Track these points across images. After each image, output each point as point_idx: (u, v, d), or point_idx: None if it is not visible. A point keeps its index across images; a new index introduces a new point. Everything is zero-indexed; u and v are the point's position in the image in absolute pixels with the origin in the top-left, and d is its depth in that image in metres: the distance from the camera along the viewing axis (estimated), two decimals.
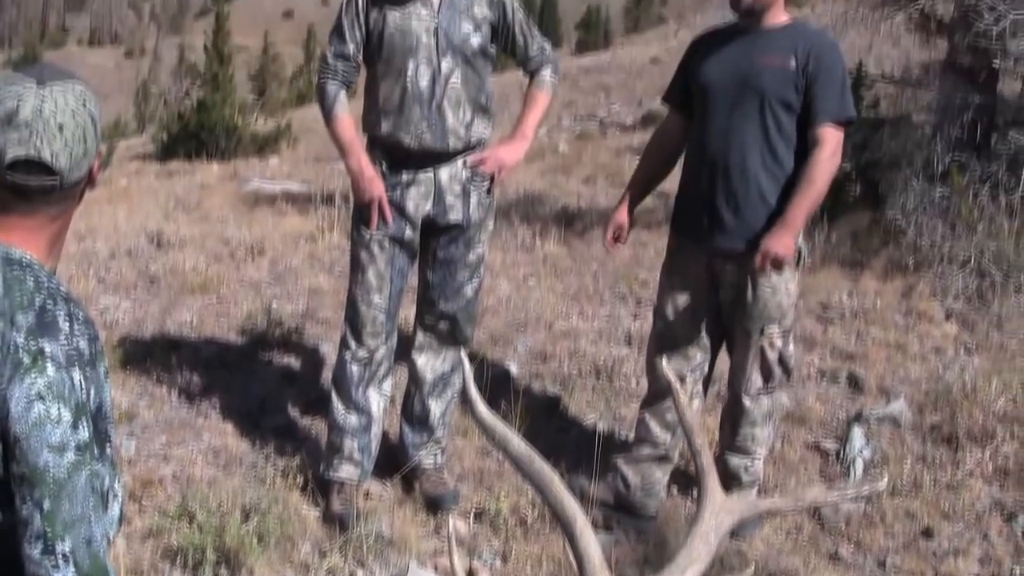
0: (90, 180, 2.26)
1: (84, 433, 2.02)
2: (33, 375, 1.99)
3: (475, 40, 4.82)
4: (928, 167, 9.29)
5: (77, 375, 2.04)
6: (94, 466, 2.04)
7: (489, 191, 5.06)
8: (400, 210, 4.88)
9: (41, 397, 1.98)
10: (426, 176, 4.89)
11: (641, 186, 5.32)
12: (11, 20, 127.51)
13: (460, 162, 4.92)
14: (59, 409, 1.98)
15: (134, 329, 7.38)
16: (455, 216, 4.97)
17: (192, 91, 26.70)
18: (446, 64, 4.77)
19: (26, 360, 1.99)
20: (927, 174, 9.24)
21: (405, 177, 4.89)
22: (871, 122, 10.10)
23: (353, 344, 5.02)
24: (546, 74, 5.10)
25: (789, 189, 4.72)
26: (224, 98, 23.41)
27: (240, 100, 26.73)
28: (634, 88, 25.70)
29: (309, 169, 16.27)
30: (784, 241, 4.57)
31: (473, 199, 4.99)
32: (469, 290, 5.16)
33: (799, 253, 4.85)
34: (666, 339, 5.04)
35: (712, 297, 4.95)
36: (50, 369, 2.00)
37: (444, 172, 4.91)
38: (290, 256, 9.37)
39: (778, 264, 4.57)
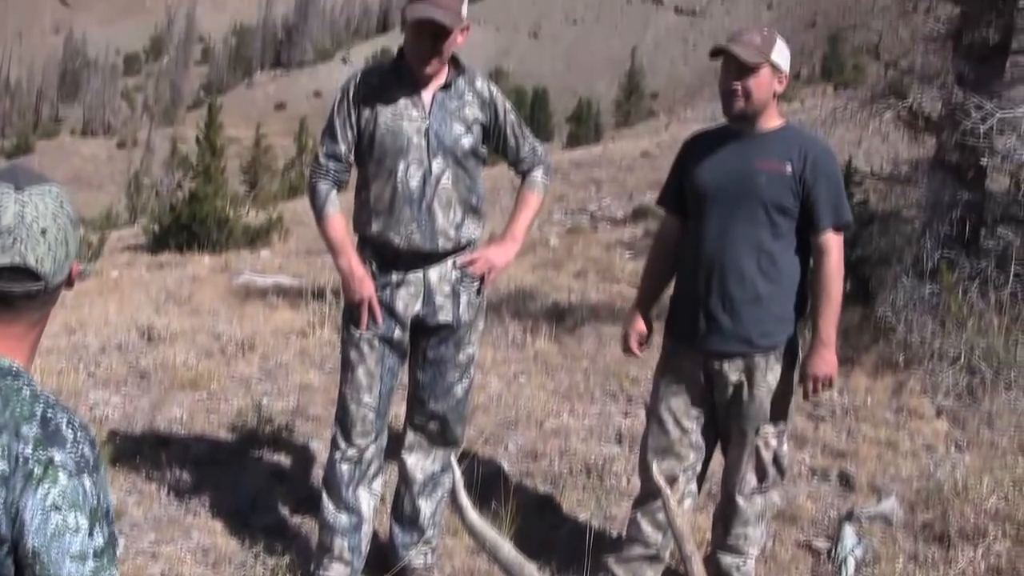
0: (69, 281, 2.26)
1: (100, 539, 2.03)
2: (46, 485, 1.99)
3: (466, 141, 4.85)
4: (918, 264, 9.33)
5: (87, 481, 2.04)
6: (111, 570, 2.06)
7: (479, 292, 5.06)
8: (390, 310, 4.89)
9: (57, 507, 1.98)
10: (416, 276, 4.90)
11: (650, 293, 5.35)
12: (5, 110, 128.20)
13: (450, 263, 4.94)
14: (76, 517, 1.99)
15: (124, 425, 7.36)
16: (444, 316, 4.97)
17: (184, 183, 26.80)
18: (437, 165, 4.80)
19: (37, 471, 2.00)
20: (917, 271, 9.28)
21: (395, 277, 4.90)
22: (860, 218, 10.16)
23: (343, 443, 5.01)
24: (537, 175, 5.13)
25: (787, 290, 4.79)
26: (216, 190, 23.45)
27: (232, 192, 26.85)
28: (625, 182, 25.79)
29: (300, 263, 16.28)
30: (827, 360, 4.73)
31: (463, 299, 4.99)
32: (459, 390, 5.15)
33: (797, 351, 4.89)
34: (660, 439, 5.01)
35: (708, 397, 4.94)
36: (62, 478, 2.00)
37: (434, 272, 4.92)
38: (281, 352, 9.36)
39: (828, 384, 4.73)
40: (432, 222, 4.83)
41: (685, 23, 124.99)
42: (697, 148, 5.09)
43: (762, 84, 4.72)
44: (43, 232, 2.12)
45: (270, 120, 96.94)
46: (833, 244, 4.69)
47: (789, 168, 4.66)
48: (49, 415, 2.07)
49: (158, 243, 22.91)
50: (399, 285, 4.90)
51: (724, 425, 4.99)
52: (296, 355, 9.30)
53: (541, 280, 13.41)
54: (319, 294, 10.92)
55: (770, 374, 4.73)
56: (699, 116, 68.10)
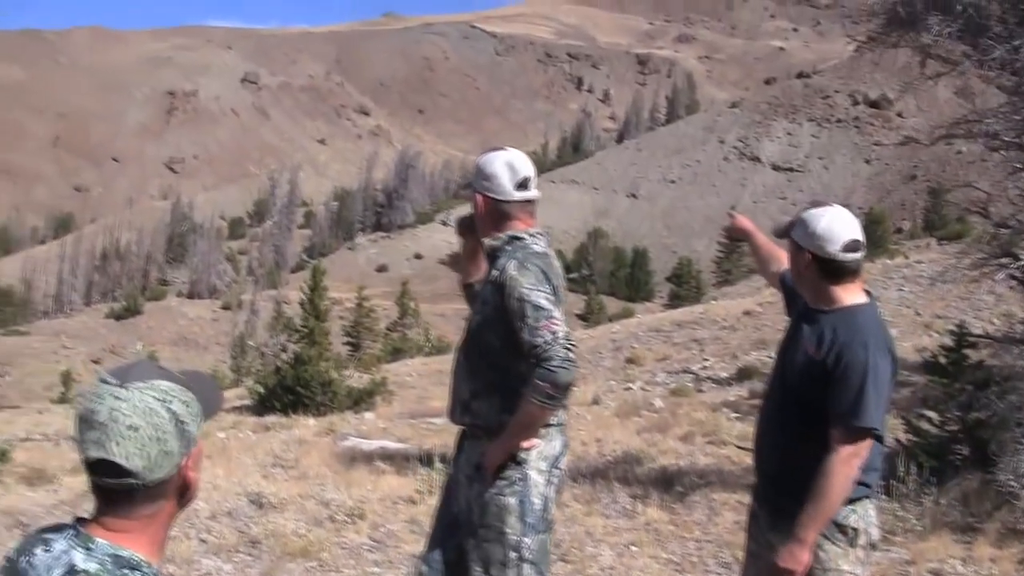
0: (183, 479, 2.28)
1: None
2: None
3: (477, 318, 4.72)
4: None
5: None
6: None
7: (489, 487, 4.60)
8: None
9: None
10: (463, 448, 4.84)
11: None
12: (115, 273, 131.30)
13: (479, 444, 4.69)
14: None
15: None
16: (461, 502, 4.74)
17: (288, 345, 27.14)
18: (465, 333, 4.80)
19: None
20: None
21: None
22: (977, 381, 9.96)
23: None
24: (535, 382, 4.33)
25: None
26: (320, 353, 23.72)
27: (335, 355, 27.11)
28: (728, 342, 25.71)
29: (404, 426, 16.30)
30: (795, 556, 4.34)
31: (474, 489, 4.65)
32: None
33: (855, 532, 4.67)
34: None
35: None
36: None
37: (465, 448, 4.79)
38: (390, 520, 9.31)
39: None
40: (455, 390, 4.79)
41: (783, 179, 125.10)
42: (792, 298, 5.00)
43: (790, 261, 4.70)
44: (132, 428, 2.14)
45: (372, 282, 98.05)
46: (838, 444, 4.30)
47: (819, 351, 4.47)
48: None
49: (263, 405, 23.15)
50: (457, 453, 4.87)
51: None
52: (405, 523, 9.24)
53: (647, 444, 13.27)
54: (426, 459, 10.89)
55: (820, 552, 4.54)
56: None
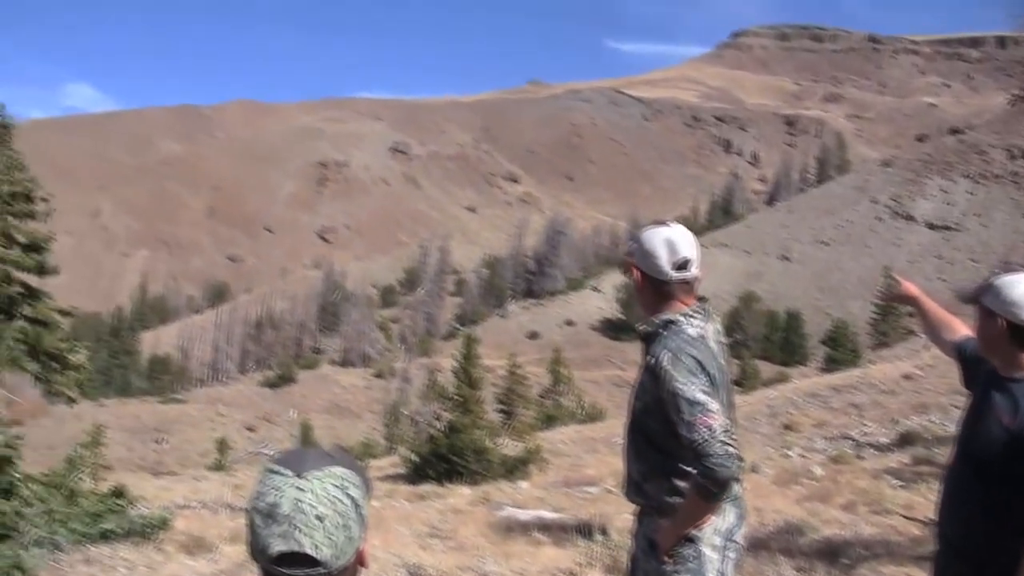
0: (360, 560, 2.28)
1: None
2: None
3: (637, 404, 4.57)
4: None
5: None
6: None
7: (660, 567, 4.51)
8: None
9: None
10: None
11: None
12: (269, 342, 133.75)
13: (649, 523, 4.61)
14: None
15: None
16: None
17: (441, 413, 27.27)
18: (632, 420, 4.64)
19: None
20: None
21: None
22: None
23: None
24: (695, 478, 4.24)
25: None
26: (474, 421, 23.80)
27: (488, 422, 27.15)
28: (888, 406, 25.14)
29: (560, 495, 16.19)
30: None
31: (641, 567, 4.62)
32: None
33: None
34: None
35: None
36: None
37: (641, 526, 4.70)
38: None
39: None
40: (626, 470, 4.68)
41: (938, 238, 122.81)
42: (971, 367, 4.78)
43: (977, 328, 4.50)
44: (320, 518, 2.15)
45: (523, 349, 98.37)
46: None
47: (1013, 421, 4.25)
48: None
49: (417, 473, 23.27)
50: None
51: None
52: None
53: (809, 513, 12.97)
54: (584, 531, 10.76)
55: None
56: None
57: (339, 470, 2.22)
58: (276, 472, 2.20)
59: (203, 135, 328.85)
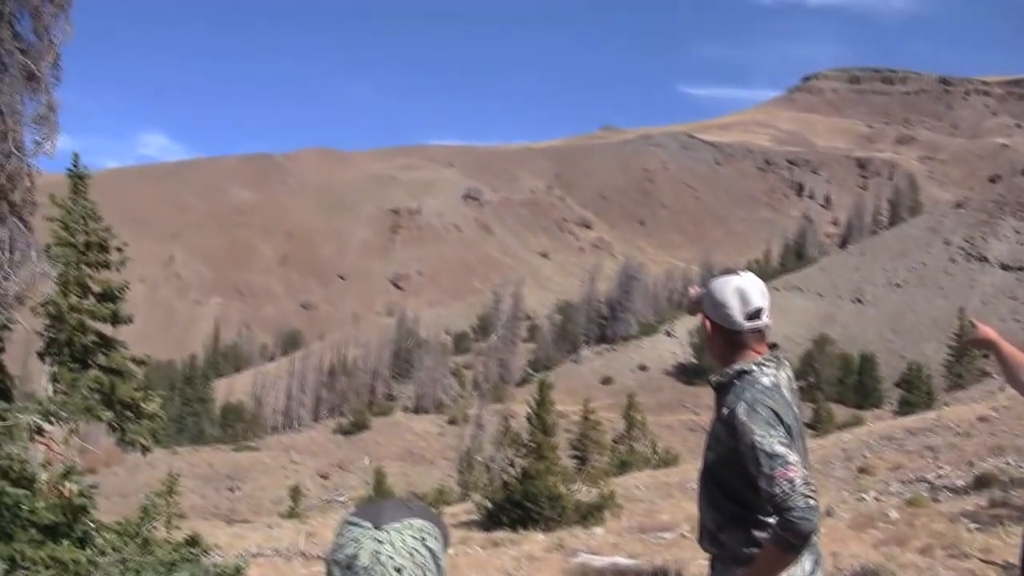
0: None
1: None
2: None
3: (709, 456, 4.58)
4: None
5: None
6: None
7: None
8: None
9: None
10: None
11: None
12: (342, 389, 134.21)
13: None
14: None
15: None
16: None
17: (516, 460, 27.27)
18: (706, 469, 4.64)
19: None
20: None
21: None
22: None
23: None
24: (776, 531, 4.17)
25: None
26: (548, 467, 23.77)
27: (562, 468, 27.12)
28: (964, 449, 24.85)
29: (635, 541, 16.14)
30: None
31: None
32: None
33: None
34: None
35: None
36: None
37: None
38: None
39: None
40: (701, 519, 4.67)
41: (1012, 279, 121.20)
42: None
43: None
44: (399, 570, 2.16)
45: (597, 394, 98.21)
46: None
47: None
48: None
49: (491, 520, 23.27)
50: None
51: None
52: None
53: (886, 558, 12.88)
54: None
55: None
56: None
57: (417, 522, 2.24)
58: (354, 524, 2.22)
59: (276, 183, 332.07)
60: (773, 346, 4.65)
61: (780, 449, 4.15)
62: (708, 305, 4.62)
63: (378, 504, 2.31)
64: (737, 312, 4.51)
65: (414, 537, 2.21)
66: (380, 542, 2.18)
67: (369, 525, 2.21)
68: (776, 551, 4.14)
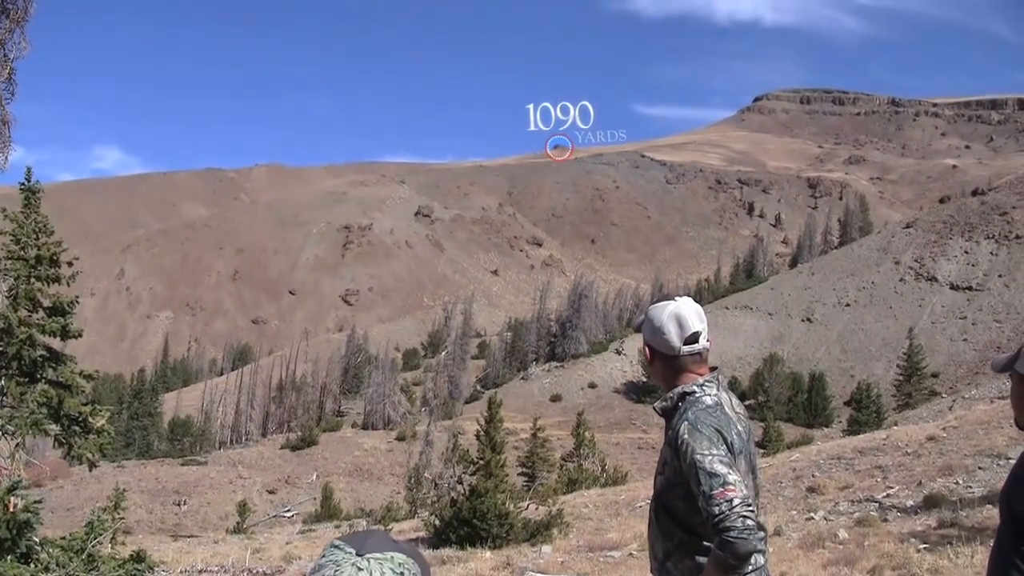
0: None
1: None
2: None
3: (658, 480, 4.63)
4: None
5: None
6: None
7: None
8: None
9: None
10: None
11: None
12: (291, 404, 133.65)
13: None
14: None
15: None
16: None
17: (464, 477, 27.16)
18: (656, 497, 4.67)
19: None
20: None
21: None
22: None
23: None
24: (715, 551, 4.14)
25: None
26: (496, 485, 23.67)
27: (510, 486, 27.02)
28: (912, 468, 24.95)
29: (583, 560, 16.06)
30: None
31: None
32: None
33: None
34: None
35: None
36: None
37: None
38: None
39: None
40: (651, 547, 4.70)
41: (962, 299, 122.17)
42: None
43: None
44: None
45: (546, 412, 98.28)
46: None
47: None
48: None
49: (439, 537, 23.14)
50: None
51: None
52: None
53: None
54: None
55: None
56: (984, 394, 65.95)
57: (400, 556, 2.26)
58: (338, 548, 2.25)
59: (228, 198, 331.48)
60: (713, 369, 4.67)
61: (720, 468, 4.15)
62: (647, 331, 4.66)
63: (366, 533, 2.35)
64: (675, 337, 4.56)
65: (393, 570, 2.22)
66: (360, 569, 2.19)
67: (352, 551, 2.23)
68: (716, 571, 4.13)
